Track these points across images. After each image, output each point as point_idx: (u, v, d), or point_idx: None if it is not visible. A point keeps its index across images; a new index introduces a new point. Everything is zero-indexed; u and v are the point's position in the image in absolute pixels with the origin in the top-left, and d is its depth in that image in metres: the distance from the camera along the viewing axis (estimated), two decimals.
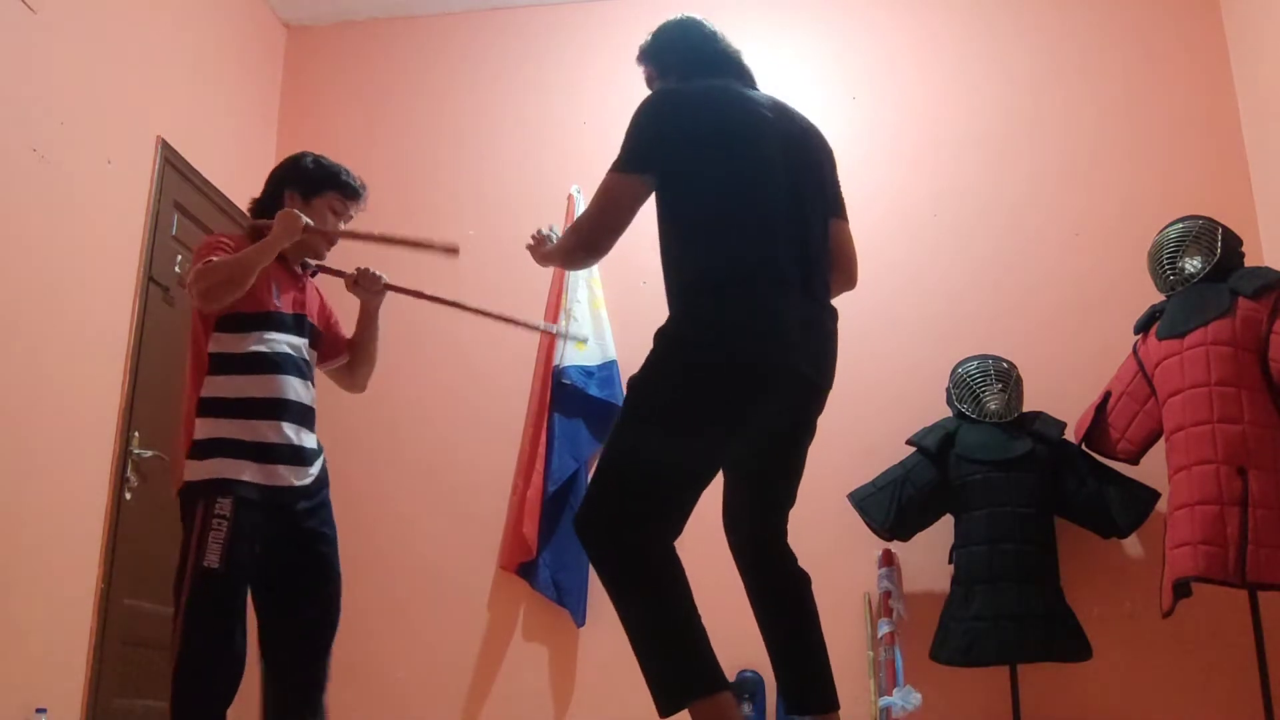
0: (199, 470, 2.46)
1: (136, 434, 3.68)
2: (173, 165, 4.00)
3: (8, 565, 3.11)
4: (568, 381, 4.13)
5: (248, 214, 2.81)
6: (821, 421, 4.54)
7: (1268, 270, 3.37)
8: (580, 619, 3.97)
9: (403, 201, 4.65)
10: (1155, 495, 3.53)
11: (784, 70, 4.37)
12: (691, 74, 2.32)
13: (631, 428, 2.06)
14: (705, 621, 1.87)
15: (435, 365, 4.41)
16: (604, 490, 2.03)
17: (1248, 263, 3.47)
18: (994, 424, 3.65)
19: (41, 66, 3.37)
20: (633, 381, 2.09)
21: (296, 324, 2.65)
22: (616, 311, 4.25)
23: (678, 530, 2.04)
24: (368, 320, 2.89)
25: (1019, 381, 3.75)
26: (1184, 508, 3.19)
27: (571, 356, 4.17)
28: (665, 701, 1.93)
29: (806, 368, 2.11)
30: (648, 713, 4.27)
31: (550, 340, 4.22)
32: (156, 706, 3.76)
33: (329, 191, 2.73)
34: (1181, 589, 3.18)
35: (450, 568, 4.15)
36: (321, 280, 2.87)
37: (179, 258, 4.01)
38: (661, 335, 2.09)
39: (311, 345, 2.72)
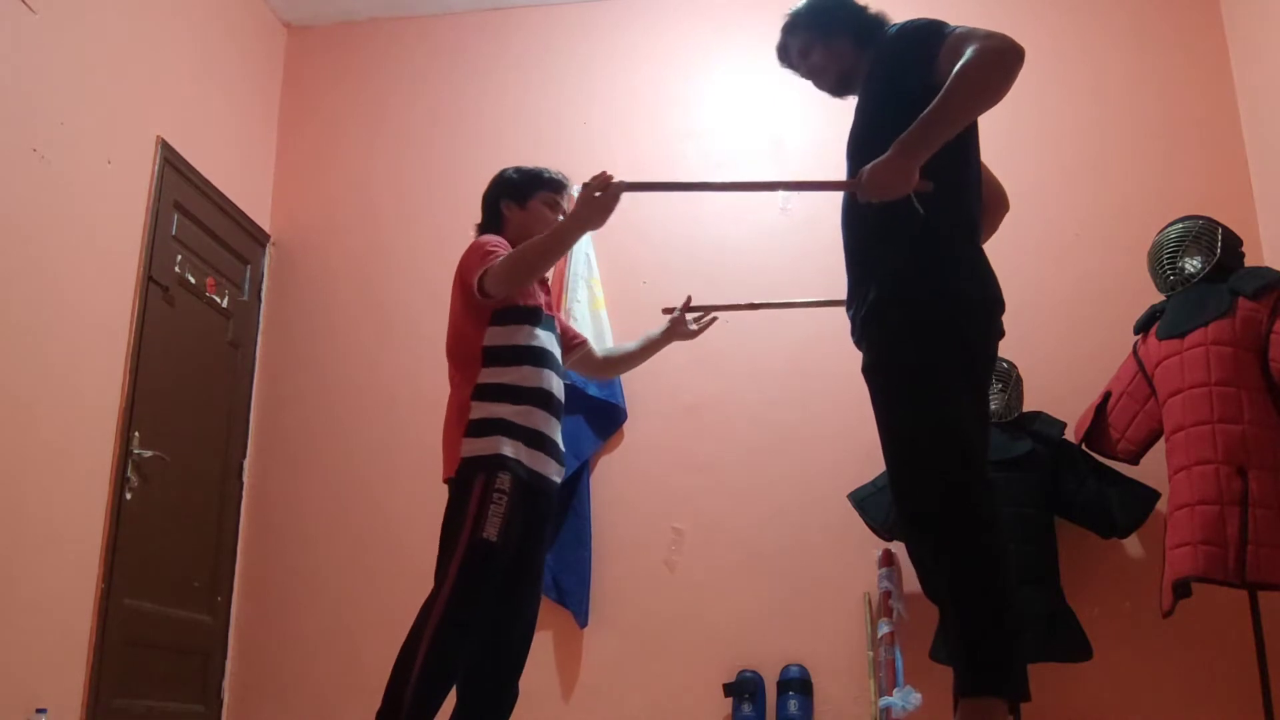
0: (478, 446, 2.48)
1: (136, 434, 3.68)
2: (173, 165, 4.00)
3: (8, 565, 3.11)
4: (568, 381, 4.12)
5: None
6: (821, 421, 4.52)
7: (1268, 270, 3.37)
8: (583, 620, 3.97)
9: (402, 201, 4.65)
10: (1155, 495, 3.53)
11: (787, 72, 4.35)
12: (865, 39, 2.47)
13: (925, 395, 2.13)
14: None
15: (436, 364, 4.38)
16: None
17: (1248, 263, 3.47)
18: (994, 424, 3.65)
19: (41, 66, 3.37)
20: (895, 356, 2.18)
21: (551, 322, 2.72)
22: (616, 311, 4.25)
23: None
24: (654, 350, 3.03)
25: (1019, 381, 3.75)
26: (1184, 508, 3.19)
27: None
28: (977, 683, 1.93)
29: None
30: (650, 713, 4.27)
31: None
32: (157, 706, 3.75)
33: (539, 192, 2.79)
34: (1181, 589, 3.18)
35: None
36: None
37: (179, 257, 4.02)
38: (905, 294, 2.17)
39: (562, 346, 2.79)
